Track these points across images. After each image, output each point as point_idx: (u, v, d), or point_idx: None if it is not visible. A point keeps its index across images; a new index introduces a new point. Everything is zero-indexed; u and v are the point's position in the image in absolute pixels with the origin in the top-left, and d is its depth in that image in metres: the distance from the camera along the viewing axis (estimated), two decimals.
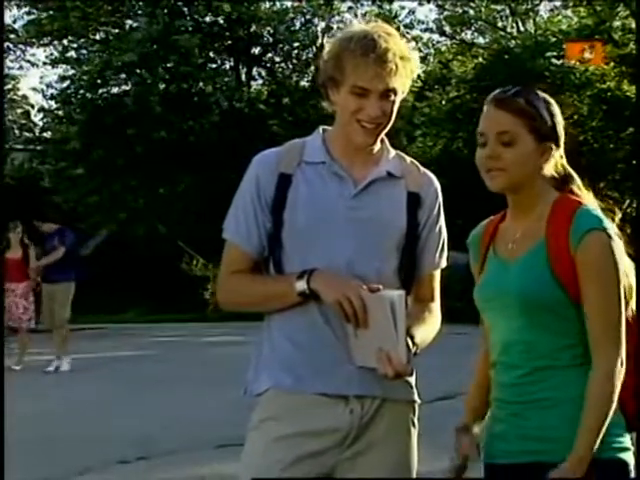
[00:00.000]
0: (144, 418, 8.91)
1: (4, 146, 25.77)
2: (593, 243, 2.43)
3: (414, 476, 2.78)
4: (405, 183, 2.79)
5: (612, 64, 24.48)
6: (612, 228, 2.48)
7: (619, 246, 2.48)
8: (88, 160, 29.15)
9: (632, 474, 2.51)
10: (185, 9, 30.35)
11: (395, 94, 2.68)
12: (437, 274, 2.86)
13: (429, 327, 2.76)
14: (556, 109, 2.58)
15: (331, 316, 2.66)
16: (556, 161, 2.58)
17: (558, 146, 2.57)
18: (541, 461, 2.46)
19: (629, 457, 2.50)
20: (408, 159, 2.85)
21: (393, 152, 2.83)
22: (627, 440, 2.52)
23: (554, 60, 26.25)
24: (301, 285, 2.65)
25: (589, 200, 2.56)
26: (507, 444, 2.54)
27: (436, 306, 2.84)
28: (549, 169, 2.57)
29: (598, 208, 2.54)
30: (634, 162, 23.67)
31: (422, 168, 2.85)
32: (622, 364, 2.43)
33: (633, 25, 25.11)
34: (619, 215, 2.58)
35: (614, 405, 2.42)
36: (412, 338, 2.60)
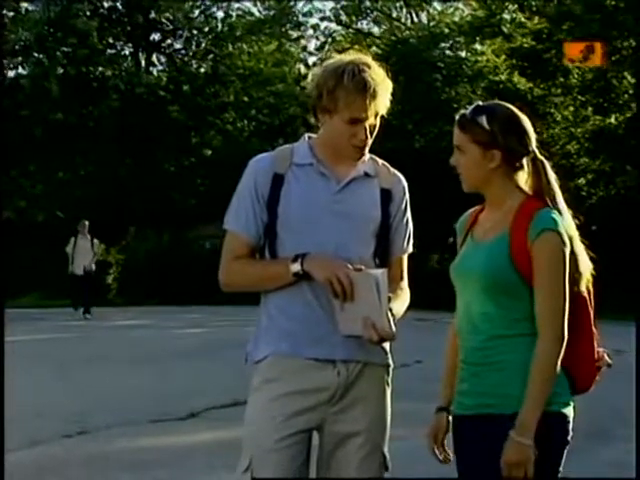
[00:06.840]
0: (77, 396, 9.28)
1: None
2: (546, 241, 2.96)
3: (389, 424, 3.32)
4: (378, 181, 3.32)
5: (503, 57, 25.41)
6: (564, 232, 2.98)
7: (567, 244, 2.98)
8: None
9: (570, 425, 3.05)
10: None
11: (379, 114, 3.23)
12: (405, 258, 3.39)
13: (402, 301, 3.30)
14: (503, 121, 3.04)
15: (320, 293, 3.16)
16: (517, 164, 3.07)
17: (506, 152, 3.03)
18: (493, 413, 3.00)
19: (569, 412, 3.05)
20: (380, 161, 3.38)
21: (368, 155, 3.35)
22: (569, 398, 3.05)
23: (448, 51, 27.10)
24: (296, 267, 3.15)
25: (555, 202, 3.07)
26: (468, 399, 3.08)
27: (405, 284, 3.37)
28: (509, 171, 3.08)
29: (560, 212, 3.03)
30: None
31: (392, 169, 3.38)
32: (563, 338, 2.96)
33: (523, 19, 26.06)
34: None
35: (557, 369, 2.95)
36: (390, 310, 3.11)
